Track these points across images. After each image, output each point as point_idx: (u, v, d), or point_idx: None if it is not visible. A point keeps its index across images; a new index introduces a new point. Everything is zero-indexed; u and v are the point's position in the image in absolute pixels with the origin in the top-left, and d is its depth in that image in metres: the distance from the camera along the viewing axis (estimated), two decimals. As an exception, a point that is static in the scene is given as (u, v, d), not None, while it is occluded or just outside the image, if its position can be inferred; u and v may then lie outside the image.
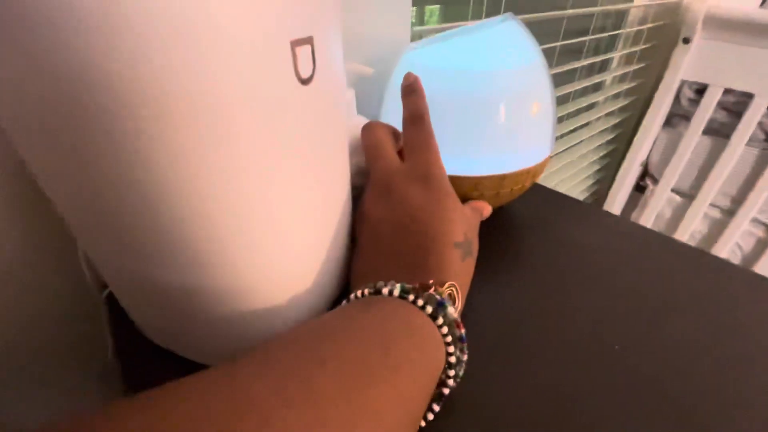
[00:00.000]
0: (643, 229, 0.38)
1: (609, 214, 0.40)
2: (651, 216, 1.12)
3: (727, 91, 0.90)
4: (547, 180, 0.92)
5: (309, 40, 0.17)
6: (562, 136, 0.92)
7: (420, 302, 0.19)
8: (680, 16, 0.96)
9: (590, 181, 1.18)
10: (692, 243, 1.10)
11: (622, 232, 0.37)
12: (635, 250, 0.35)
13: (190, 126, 0.15)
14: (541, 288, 0.31)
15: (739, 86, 0.88)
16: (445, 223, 0.23)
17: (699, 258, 0.34)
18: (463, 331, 0.19)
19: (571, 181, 1.03)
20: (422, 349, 0.18)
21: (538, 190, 0.44)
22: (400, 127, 0.32)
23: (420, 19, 0.65)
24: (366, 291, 0.20)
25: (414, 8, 0.63)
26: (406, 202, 0.24)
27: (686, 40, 0.90)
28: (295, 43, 0.16)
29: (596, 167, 1.15)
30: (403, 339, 0.17)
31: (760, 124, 0.88)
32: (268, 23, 0.15)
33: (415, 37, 0.44)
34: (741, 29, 0.84)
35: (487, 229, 0.37)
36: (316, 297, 0.23)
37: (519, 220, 0.39)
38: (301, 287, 0.22)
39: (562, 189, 1.00)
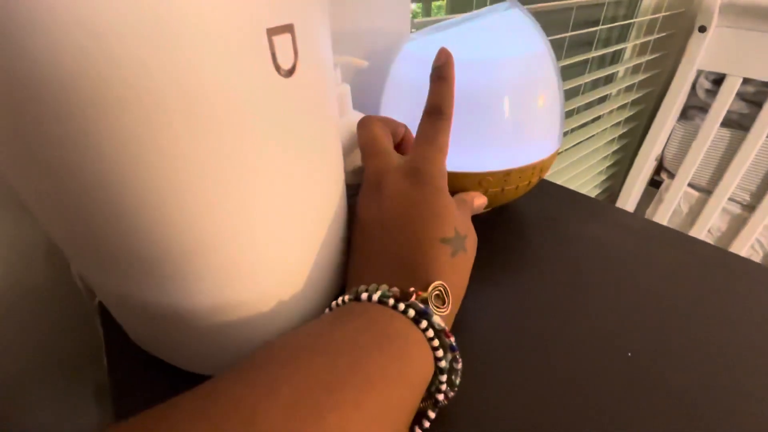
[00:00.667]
0: (658, 226, 0.36)
1: (621, 211, 0.38)
2: (667, 212, 1.09)
3: (746, 81, 0.87)
4: (557, 176, 0.89)
5: (288, 28, 0.16)
6: (572, 130, 0.89)
7: (401, 306, 0.18)
8: (695, 3, 0.92)
9: (603, 177, 1.15)
10: (710, 240, 1.06)
11: (636, 229, 0.35)
12: (649, 248, 0.33)
13: (161, 120, 0.14)
14: (549, 288, 0.29)
15: (759, 75, 0.84)
16: (432, 218, 0.22)
17: (717, 256, 0.32)
18: (452, 339, 0.18)
19: (583, 176, 1.00)
20: (402, 358, 0.16)
21: (546, 186, 0.42)
22: (402, 120, 0.31)
23: (427, 13, 0.63)
24: (346, 298, 0.19)
25: (420, 3, 0.61)
26: (395, 199, 0.23)
27: (702, 29, 0.87)
28: (272, 32, 0.15)
29: (609, 162, 1.12)
30: (378, 352, 0.16)
31: (781, 114, 0.84)
32: (239, 10, 0.14)
33: (417, 29, 0.42)
34: (760, 16, 0.81)
35: (494, 227, 0.36)
36: (309, 303, 0.22)
37: (527, 218, 0.37)
38: (291, 294, 0.21)
39: (573, 185, 0.97)
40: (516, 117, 0.30)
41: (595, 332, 0.26)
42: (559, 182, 0.91)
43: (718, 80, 0.91)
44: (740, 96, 0.89)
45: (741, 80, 0.86)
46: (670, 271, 0.31)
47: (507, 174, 0.31)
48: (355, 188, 0.31)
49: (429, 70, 0.30)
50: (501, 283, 0.30)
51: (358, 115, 0.31)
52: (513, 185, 0.32)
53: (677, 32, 0.96)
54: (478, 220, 0.28)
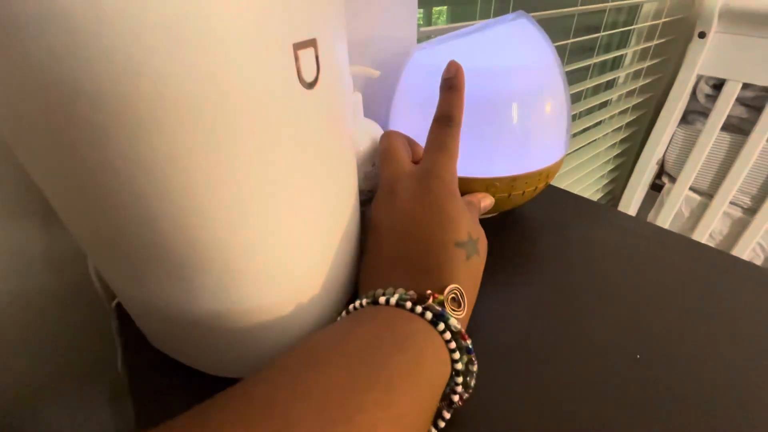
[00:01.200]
0: (660, 230, 0.36)
1: (624, 215, 0.39)
2: (669, 215, 1.09)
3: (746, 86, 0.88)
4: (560, 180, 0.90)
5: (312, 43, 0.17)
6: (575, 135, 0.90)
7: (419, 309, 0.18)
8: (695, 9, 0.94)
9: (605, 181, 1.15)
10: (712, 243, 1.07)
11: (638, 233, 0.36)
12: (652, 252, 0.34)
13: (189, 131, 0.14)
14: (555, 292, 0.30)
15: (759, 81, 0.85)
16: (446, 223, 0.22)
17: (722, 260, 0.33)
18: (469, 342, 0.18)
19: (585, 180, 1.01)
20: (421, 360, 0.17)
21: (551, 191, 0.43)
22: (410, 132, 0.32)
23: (428, 20, 0.64)
24: (364, 301, 0.20)
25: (421, 9, 0.62)
26: (408, 204, 0.24)
27: (702, 35, 0.88)
28: (298, 46, 0.16)
29: (611, 166, 1.12)
30: (399, 353, 0.16)
31: (781, 119, 0.85)
32: (268, 25, 0.15)
33: (423, 37, 0.43)
34: (758, 22, 0.82)
35: (499, 231, 0.36)
36: (325, 306, 0.23)
37: (533, 222, 0.38)
38: (308, 298, 0.21)
39: (575, 188, 0.98)
40: (524, 124, 0.30)
41: (603, 335, 0.27)
42: (561, 186, 0.92)
43: (718, 85, 0.92)
44: (740, 101, 0.90)
45: (741, 85, 0.87)
46: (673, 274, 0.31)
47: (514, 180, 0.31)
48: (366, 193, 0.32)
49: (438, 80, 0.31)
50: (508, 286, 0.31)
51: (369, 123, 0.32)
52: (520, 191, 0.33)
53: (677, 38, 0.97)
54: (484, 223, 0.28)
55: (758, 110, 0.87)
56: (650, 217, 1.15)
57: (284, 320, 0.21)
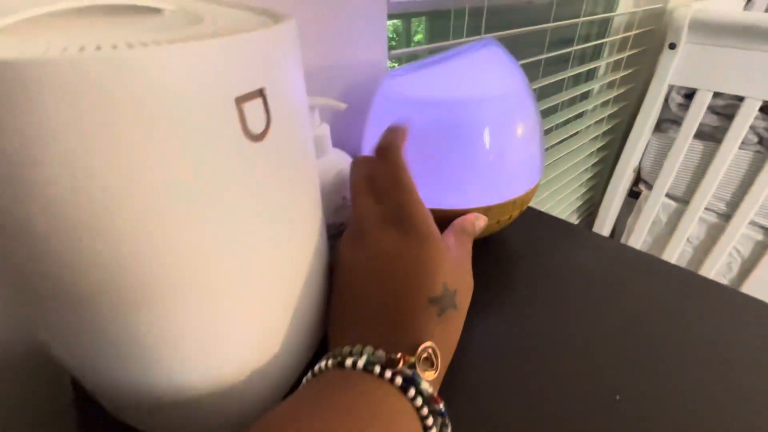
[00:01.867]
0: (633, 251, 0.36)
1: (599, 237, 0.38)
2: (647, 222, 1.11)
3: (717, 95, 0.90)
4: (540, 190, 0.90)
5: (259, 93, 0.15)
6: (552, 146, 0.91)
7: (388, 374, 0.17)
8: (665, 21, 0.96)
9: (583, 189, 1.17)
10: (689, 248, 1.09)
11: (612, 255, 0.36)
12: (625, 274, 0.34)
13: (128, 195, 0.13)
14: (533, 319, 0.29)
15: (728, 89, 0.87)
16: (420, 276, 0.21)
17: (689, 280, 0.33)
18: (441, 405, 0.17)
19: (565, 189, 1.02)
20: (393, 430, 0.16)
21: (528, 213, 0.42)
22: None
23: (407, 31, 0.63)
24: (329, 363, 0.18)
25: (399, 21, 0.62)
26: (380, 249, 0.22)
27: (672, 46, 0.90)
28: (242, 100, 0.15)
29: (589, 175, 1.14)
30: (370, 427, 0.15)
31: (752, 127, 0.87)
32: (206, 81, 0.13)
33: (394, 58, 0.42)
34: (727, 32, 0.84)
35: (475, 259, 0.35)
36: (287, 366, 0.21)
37: (507, 247, 0.37)
38: (267, 360, 0.20)
39: (555, 198, 0.98)
40: (496, 154, 0.30)
41: (581, 369, 0.26)
42: (541, 197, 0.92)
43: (690, 94, 0.94)
44: (711, 109, 0.92)
45: (711, 94, 0.89)
46: (645, 296, 0.31)
47: (488, 210, 0.31)
48: (336, 227, 0.31)
49: (409, 110, 0.30)
50: (483, 318, 0.30)
51: (338, 154, 0.31)
52: (494, 220, 0.32)
53: (648, 49, 0.99)
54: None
55: (729, 118, 0.89)
56: (629, 223, 1.17)
57: (245, 384, 0.19)
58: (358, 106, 0.40)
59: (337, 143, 0.40)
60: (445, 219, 0.31)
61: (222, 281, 0.17)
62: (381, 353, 0.18)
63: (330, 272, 0.25)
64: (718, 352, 0.27)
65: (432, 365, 0.18)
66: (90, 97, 0.11)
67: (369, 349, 0.18)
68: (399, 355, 0.18)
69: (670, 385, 0.25)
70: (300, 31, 0.32)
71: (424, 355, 0.18)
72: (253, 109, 0.15)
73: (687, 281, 0.33)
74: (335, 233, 0.31)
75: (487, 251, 0.36)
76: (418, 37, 0.67)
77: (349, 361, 0.18)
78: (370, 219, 0.24)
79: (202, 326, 0.17)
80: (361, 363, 0.17)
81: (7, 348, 0.29)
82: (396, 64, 0.62)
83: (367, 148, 0.34)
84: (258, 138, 0.16)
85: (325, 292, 0.25)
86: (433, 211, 0.31)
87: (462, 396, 0.24)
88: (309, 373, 0.19)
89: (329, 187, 0.29)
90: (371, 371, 0.17)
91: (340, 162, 0.30)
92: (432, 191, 0.30)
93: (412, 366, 0.18)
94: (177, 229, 0.15)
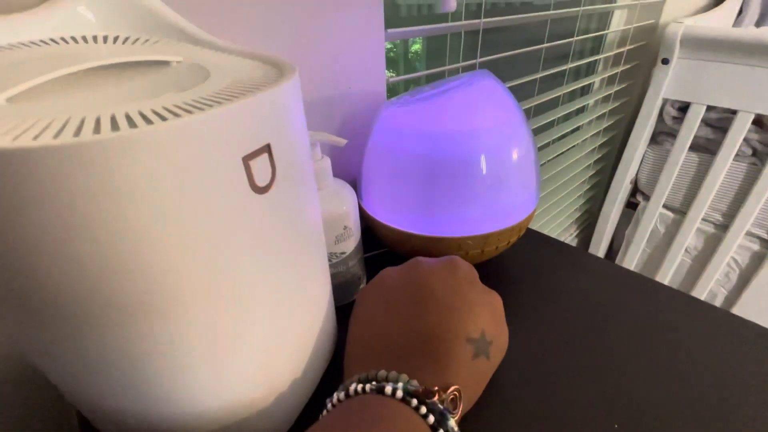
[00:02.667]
0: (628, 272, 0.37)
1: (595, 258, 0.39)
2: (645, 233, 1.11)
3: (710, 108, 0.91)
4: (539, 203, 0.91)
5: (266, 149, 0.16)
6: (550, 160, 0.92)
7: (423, 410, 0.17)
8: (657, 36, 0.97)
9: (582, 201, 1.18)
10: (688, 258, 1.09)
11: (609, 277, 0.36)
12: (622, 296, 0.34)
13: (140, 242, 0.14)
14: (531, 343, 0.30)
15: (721, 103, 0.88)
16: (464, 315, 0.22)
17: (681, 301, 0.33)
18: None
19: (564, 201, 1.03)
20: None
21: (529, 234, 0.43)
22: (382, 191, 0.32)
23: (405, 48, 0.65)
24: (367, 387, 0.18)
25: (397, 42, 0.63)
26: (431, 280, 0.23)
27: (665, 61, 0.91)
28: (249, 157, 0.16)
29: (587, 186, 1.15)
30: None
31: (746, 139, 0.88)
32: (213, 148, 0.14)
33: (391, 87, 0.43)
34: (718, 48, 0.85)
35: (481, 275, 0.36)
36: (289, 400, 0.22)
37: (506, 269, 0.38)
38: (277, 395, 0.20)
39: (555, 210, 0.99)
40: (493, 183, 0.30)
41: (579, 395, 0.26)
42: (541, 209, 0.93)
43: (684, 108, 0.95)
44: (705, 122, 0.93)
45: (705, 108, 0.90)
46: (646, 321, 0.32)
47: (486, 237, 0.31)
48: (338, 255, 0.32)
49: (409, 141, 0.31)
50: None
51: (339, 185, 0.32)
52: (492, 246, 0.33)
53: (642, 63, 1.01)
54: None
55: (723, 131, 0.91)
56: (628, 234, 1.18)
57: (256, 418, 0.20)
58: (358, 135, 0.41)
59: (338, 172, 0.41)
60: (444, 246, 0.32)
61: (230, 319, 0.17)
62: (415, 383, 0.18)
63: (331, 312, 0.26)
64: (713, 373, 0.28)
65: (455, 408, 0.19)
66: (95, 177, 0.12)
67: (404, 376, 0.18)
68: (436, 388, 0.18)
69: (668, 412, 0.25)
70: (302, 65, 0.33)
71: (451, 396, 0.19)
72: (260, 164, 0.16)
73: (687, 304, 0.33)
74: (337, 262, 0.32)
75: (486, 273, 0.37)
76: (416, 47, 0.68)
77: (388, 389, 0.18)
78: (422, 260, 0.25)
79: (207, 364, 0.17)
80: (399, 393, 0.18)
81: (11, 372, 0.29)
82: (394, 74, 0.64)
83: (367, 178, 0.35)
84: (264, 190, 0.17)
85: (328, 326, 0.25)
86: (432, 239, 0.32)
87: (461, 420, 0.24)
88: (338, 394, 0.19)
89: (331, 218, 0.30)
90: (408, 402, 0.17)
91: (340, 193, 0.31)
92: (430, 219, 0.31)
93: (442, 402, 0.18)
94: (187, 277, 0.15)
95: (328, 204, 0.30)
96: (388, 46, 0.64)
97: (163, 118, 0.13)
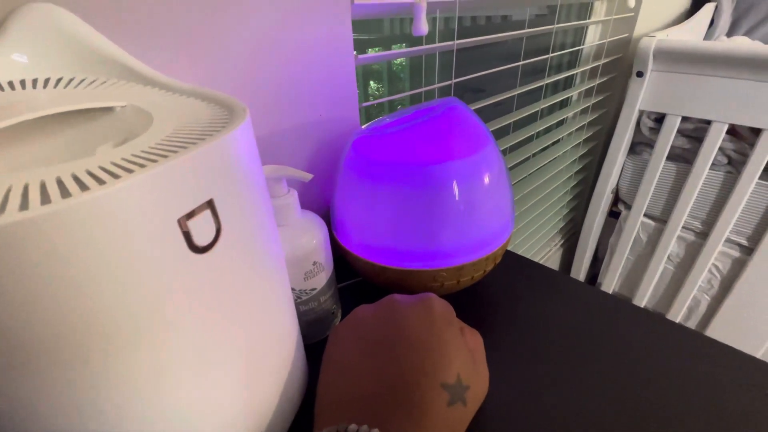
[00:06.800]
0: (605, 295, 0.37)
1: (575, 282, 0.38)
2: (628, 241, 1.12)
3: (685, 119, 0.93)
4: (523, 215, 0.91)
5: (207, 206, 0.15)
6: (532, 173, 0.92)
7: None
8: (631, 50, 0.99)
9: (566, 211, 1.18)
10: (671, 266, 1.10)
11: (586, 301, 0.36)
12: (602, 320, 0.34)
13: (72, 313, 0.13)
14: (510, 370, 0.29)
15: (696, 114, 0.90)
16: (438, 359, 0.21)
17: (658, 325, 0.33)
18: None
19: (548, 212, 1.03)
20: None
21: (507, 258, 0.42)
22: (354, 220, 0.31)
23: (389, 61, 0.64)
24: None
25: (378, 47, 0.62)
26: (405, 321, 0.22)
27: (639, 74, 0.93)
28: (187, 217, 0.14)
29: (569, 197, 1.15)
30: None
31: (721, 148, 0.90)
32: (146, 211, 0.13)
33: (363, 117, 0.43)
34: (691, 60, 0.87)
35: (457, 306, 0.35)
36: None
37: (483, 299, 0.37)
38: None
39: (538, 222, 0.99)
40: (466, 214, 0.30)
41: (561, 424, 0.25)
42: (524, 221, 0.92)
43: (660, 118, 0.96)
44: (681, 132, 0.95)
45: (680, 118, 0.92)
46: (626, 346, 0.31)
47: (460, 269, 0.31)
48: (308, 292, 0.30)
49: (380, 174, 0.30)
50: None
51: (307, 218, 0.30)
52: (468, 276, 0.32)
53: (618, 75, 1.03)
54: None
55: (699, 141, 0.92)
56: (611, 243, 1.19)
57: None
58: (332, 163, 0.40)
59: (311, 202, 0.40)
60: (418, 279, 0.31)
61: (176, 379, 0.16)
62: None
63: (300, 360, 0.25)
64: (690, 395, 0.27)
65: None
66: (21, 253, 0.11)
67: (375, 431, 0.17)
68: None
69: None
70: (267, 94, 0.32)
71: None
72: (201, 222, 0.15)
73: (654, 325, 0.33)
74: (308, 299, 0.30)
75: (462, 303, 0.36)
76: (400, 59, 0.67)
77: None
78: (397, 297, 0.24)
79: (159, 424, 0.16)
80: None
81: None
82: (381, 87, 0.63)
83: (339, 209, 0.34)
84: (206, 249, 0.16)
85: (297, 370, 0.24)
86: (406, 272, 0.31)
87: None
88: None
89: (298, 255, 0.29)
90: None
91: (309, 227, 0.30)
92: (404, 252, 0.30)
93: None
94: (126, 345, 0.14)
95: (295, 240, 0.28)
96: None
97: (98, 180, 0.12)
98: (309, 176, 0.27)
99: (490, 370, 0.29)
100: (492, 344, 0.32)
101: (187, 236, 0.15)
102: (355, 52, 0.39)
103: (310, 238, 0.29)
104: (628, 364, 0.30)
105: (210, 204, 0.15)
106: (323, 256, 0.30)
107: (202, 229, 0.15)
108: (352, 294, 0.38)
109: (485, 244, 0.31)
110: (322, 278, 0.31)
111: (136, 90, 0.21)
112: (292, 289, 0.29)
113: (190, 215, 0.15)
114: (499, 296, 0.37)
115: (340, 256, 0.41)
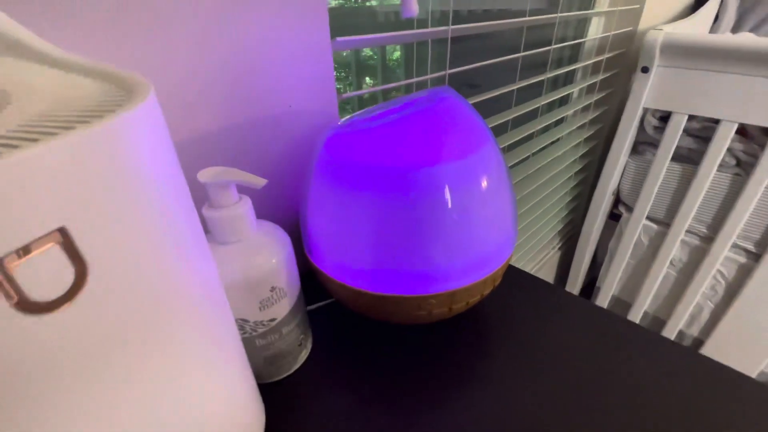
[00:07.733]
0: (600, 310, 0.32)
1: (572, 297, 0.34)
2: (629, 245, 1.08)
3: (692, 118, 0.88)
4: (520, 218, 0.86)
5: (55, 237, 0.10)
6: (530, 173, 0.87)
7: None
8: (636, 44, 0.94)
9: (565, 213, 1.13)
10: (673, 271, 1.06)
11: (583, 318, 0.31)
12: (596, 336, 0.30)
13: None
14: (510, 392, 0.24)
15: (703, 112, 0.85)
16: None
17: (655, 343, 0.29)
18: None
19: (546, 215, 0.98)
20: None
21: (507, 274, 0.37)
22: (326, 222, 0.25)
23: (384, 56, 0.59)
24: None
25: (377, 49, 0.57)
26: None
27: (645, 69, 0.88)
28: (17, 256, 0.09)
29: (569, 198, 1.11)
30: None
31: (729, 149, 0.85)
32: None
33: (343, 102, 0.37)
34: (699, 55, 0.82)
35: (450, 325, 0.30)
36: None
37: (477, 324, 0.32)
38: None
39: (536, 225, 0.94)
40: (460, 230, 0.24)
41: None
42: (522, 224, 0.88)
43: (665, 117, 0.92)
44: (687, 132, 0.90)
45: (686, 117, 0.87)
46: (624, 364, 0.26)
47: (453, 295, 0.25)
48: (266, 323, 0.25)
49: (358, 179, 0.25)
50: (451, 399, 0.24)
51: (265, 231, 0.25)
52: (462, 303, 0.26)
53: (621, 71, 0.98)
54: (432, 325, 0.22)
55: (706, 141, 0.87)
56: (611, 247, 1.14)
57: None
58: (302, 164, 0.35)
59: (275, 210, 0.34)
60: (402, 306, 0.26)
61: None
62: None
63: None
64: (691, 416, 0.22)
65: None
66: None
67: None
68: None
69: None
70: (222, 81, 0.26)
71: None
72: (43, 262, 0.10)
73: (652, 344, 0.29)
74: (265, 331, 0.25)
75: (454, 322, 0.31)
76: (396, 54, 0.62)
77: None
78: None
79: None
80: None
81: None
82: (374, 82, 0.57)
83: (310, 220, 0.28)
84: (57, 304, 0.10)
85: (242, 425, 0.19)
86: (387, 298, 0.25)
87: None
88: None
89: (252, 279, 0.23)
90: None
91: (268, 243, 0.24)
92: (384, 274, 0.25)
93: None
94: None
95: (247, 261, 0.23)
96: (368, 53, 0.58)
97: None
98: (262, 182, 0.22)
99: (485, 403, 0.24)
100: (487, 378, 0.27)
101: (13, 286, 0.09)
102: (337, 38, 0.33)
103: (268, 257, 0.24)
104: (631, 384, 0.25)
105: (63, 233, 0.10)
106: (284, 280, 0.25)
107: (45, 273, 0.10)
108: (326, 316, 0.33)
109: (483, 264, 0.26)
110: (283, 306, 0.25)
111: (11, 64, 0.15)
112: (245, 322, 0.24)
113: (23, 252, 0.09)
114: (493, 320, 0.32)
115: (310, 272, 0.35)
